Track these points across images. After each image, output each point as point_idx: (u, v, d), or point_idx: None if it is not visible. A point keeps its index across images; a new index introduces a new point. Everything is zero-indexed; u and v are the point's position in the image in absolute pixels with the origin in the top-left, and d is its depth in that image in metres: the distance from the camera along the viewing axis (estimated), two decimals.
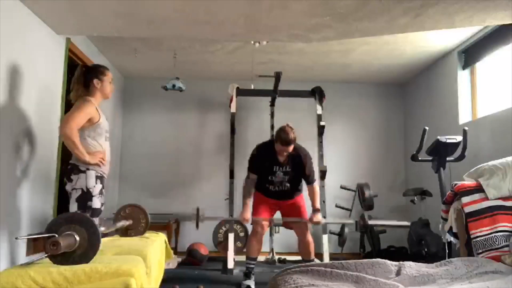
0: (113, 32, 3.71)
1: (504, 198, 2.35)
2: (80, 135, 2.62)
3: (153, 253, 2.71)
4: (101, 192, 2.71)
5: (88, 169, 2.63)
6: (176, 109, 5.77)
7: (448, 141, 3.44)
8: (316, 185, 3.72)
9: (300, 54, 4.75)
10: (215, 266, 4.55)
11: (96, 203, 2.66)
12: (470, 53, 4.31)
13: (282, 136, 3.40)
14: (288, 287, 1.50)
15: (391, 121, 5.87)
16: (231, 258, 4.32)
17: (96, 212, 2.65)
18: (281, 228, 5.02)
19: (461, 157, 3.52)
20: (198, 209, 3.83)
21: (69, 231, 1.88)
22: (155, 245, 2.95)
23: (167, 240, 3.45)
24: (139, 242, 2.89)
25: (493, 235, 2.28)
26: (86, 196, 2.61)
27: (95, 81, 2.76)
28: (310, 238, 3.63)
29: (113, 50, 4.72)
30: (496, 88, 3.98)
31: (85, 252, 1.89)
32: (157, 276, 2.86)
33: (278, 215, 3.78)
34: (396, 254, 4.68)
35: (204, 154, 5.73)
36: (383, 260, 1.82)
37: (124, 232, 3.20)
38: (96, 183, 2.66)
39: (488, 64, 4.16)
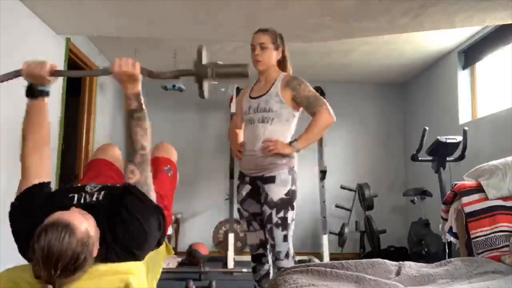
0: (113, 32, 3.71)
1: (504, 198, 2.34)
2: None
3: (153, 253, 2.71)
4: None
5: None
6: (176, 109, 5.77)
7: (448, 141, 3.44)
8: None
9: (300, 54, 4.74)
10: (215, 266, 4.54)
11: None
12: (470, 53, 4.31)
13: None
14: (288, 287, 1.49)
15: (391, 121, 5.87)
16: (231, 258, 4.32)
17: None
18: None
19: (461, 157, 3.52)
20: None
21: None
22: None
23: (167, 240, 3.45)
24: None
25: (493, 235, 2.28)
26: None
27: None
28: None
29: (113, 50, 4.71)
30: (496, 88, 3.98)
31: None
32: (156, 275, 2.86)
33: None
34: (396, 254, 4.69)
35: (204, 154, 5.73)
36: (383, 260, 1.81)
37: None
38: None
39: (488, 64, 4.16)
